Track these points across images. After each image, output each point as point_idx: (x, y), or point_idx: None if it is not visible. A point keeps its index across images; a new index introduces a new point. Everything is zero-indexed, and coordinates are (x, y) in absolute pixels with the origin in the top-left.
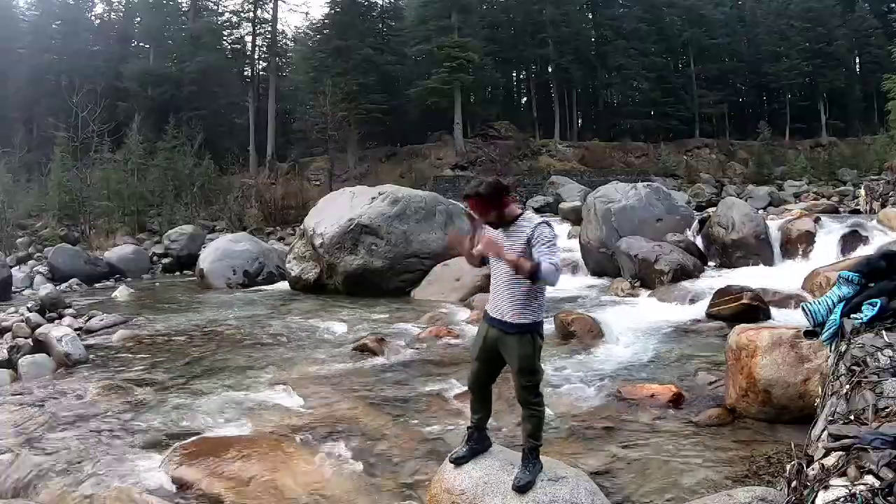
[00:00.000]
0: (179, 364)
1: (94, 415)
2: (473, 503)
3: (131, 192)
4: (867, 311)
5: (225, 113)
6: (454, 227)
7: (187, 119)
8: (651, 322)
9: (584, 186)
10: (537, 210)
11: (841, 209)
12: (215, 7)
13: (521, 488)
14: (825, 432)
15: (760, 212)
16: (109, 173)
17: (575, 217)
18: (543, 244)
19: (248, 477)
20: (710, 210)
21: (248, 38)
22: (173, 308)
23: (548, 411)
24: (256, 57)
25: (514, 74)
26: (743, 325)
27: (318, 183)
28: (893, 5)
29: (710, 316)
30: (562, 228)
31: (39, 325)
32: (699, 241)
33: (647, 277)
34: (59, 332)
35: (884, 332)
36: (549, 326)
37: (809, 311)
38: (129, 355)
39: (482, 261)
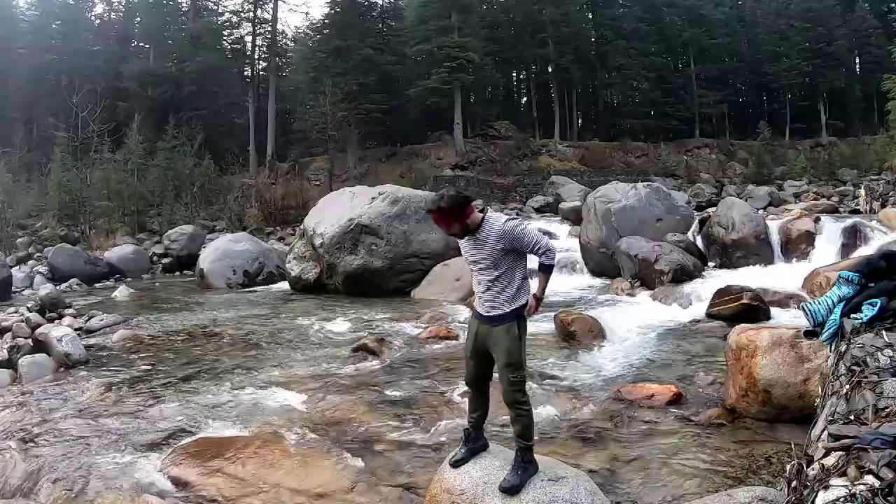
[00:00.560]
0: (179, 364)
1: (94, 415)
2: (473, 503)
3: (131, 192)
4: (867, 311)
5: (225, 113)
6: None
7: (187, 119)
8: (651, 322)
9: (584, 186)
10: (537, 210)
11: (841, 209)
12: (215, 7)
13: (508, 490)
14: (825, 432)
15: (760, 212)
16: (109, 173)
17: (575, 217)
18: (523, 240)
19: (247, 477)
20: (710, 210)
21: (248, 38)
22: (173, 308)
23: (548, 411)
24: (256, 57)
25: (514, 74)
26: (743, 325)
27: (318, 183)
28: (893, 5)
29: (710, 316)
30: (562, 228)
31: (39, 325)
32: (699, 241)
33: (647, 277)
34: (59, 332)
35: (884, 332)
36: (549, 326)
37: (809, 311)
38: (129, 355)
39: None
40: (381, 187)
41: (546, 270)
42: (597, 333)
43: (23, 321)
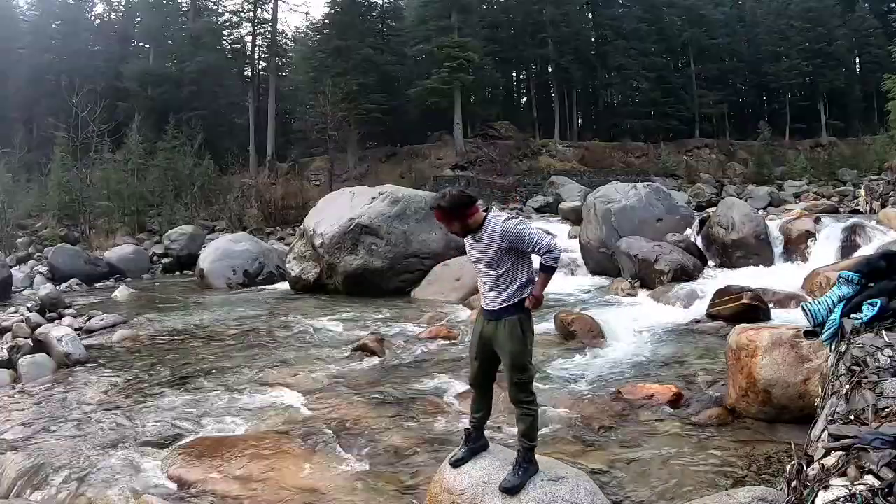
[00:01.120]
0: (179, 364)
1: (94, 415)
2: (473, 503)
3: (131, 192)
4: (867, 311)
5: (225, 113)
6: None
7: (187, 119)
8: (651, 322)
9: (584, 186)
10: (537, 210)
11: (841, 209)
12: (215, 7)
13: (508, 490)
14: (825, 432)
15: (760, 212)
16: (109, 173)
17: (575, 217)
18: (524, 239)
19: (247, 477)
20: (710, 210)
21: (248, 38)
22: (173, 308)
23: (548, 411)
24: (256, 57)
25: (514, 74)
26: (743, 325)
27: (318, 183)
28: (893, 5)
29: (710, 316)
30: (562, 228)
31: (39, 325)
32: (699, 241)
33: (647, 277)
34: (59, 332)
35: (884, 332)
36: (549, 326)
37: (809, 311)
38: (129, 355)
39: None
40: (381, 187)
41: (547, 271)
42: (597, 333)
43: (23, 321)
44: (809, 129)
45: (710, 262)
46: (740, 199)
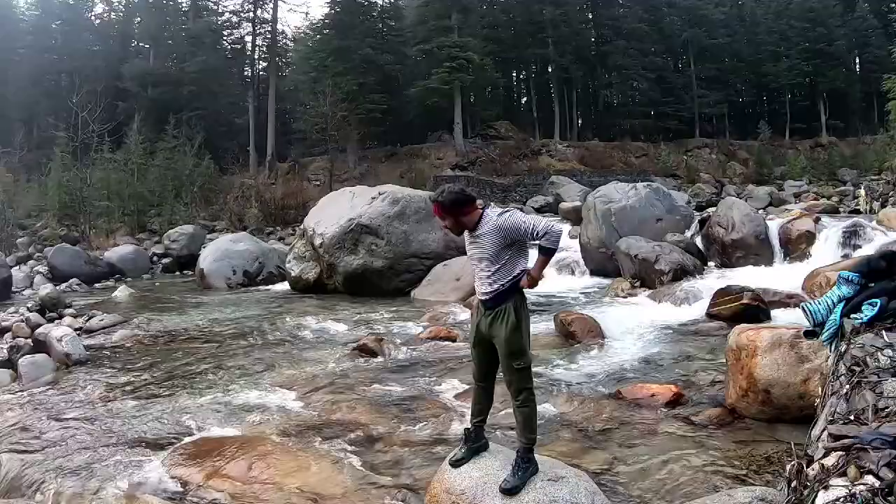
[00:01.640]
0: (179, 364)
1: (94, 415)
2: (473, 503)
3: (131, 192)
4: (867, 311)
5: (225, 113)
6: None
7: (187, 119)
8: (651, 322)
9: (584, 186)
10: (537, 210)
11: (841, 209)
12: (215, 7)
13: (508, 491)
14: (825, 432)
15: (760, 212)
16: (109, 173)
17: (575, 217)
18: (521, 228)
19: (247, 477)
20: (710, 210)
21: (248, 38)
22: (173, 308)
23: (548, 411)
24: (256, 57)
25: (514, 74)
26: (743, 325)
27: (318, 183)
28: (893, 5)
29: (710, 316)
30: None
31: (39, 325)
32: (699, 241)
33: (647, 277)
34: (59, 332)
35: (884, 332)
36: (549, 326)
37: (809, 311)
38: (129, 355)
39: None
40: (381, 187)
41: (546, 253)
42: (597, 333)
43: (23, 321)
44: (809, 129)
45: (710, 262)
46: (740, 199)
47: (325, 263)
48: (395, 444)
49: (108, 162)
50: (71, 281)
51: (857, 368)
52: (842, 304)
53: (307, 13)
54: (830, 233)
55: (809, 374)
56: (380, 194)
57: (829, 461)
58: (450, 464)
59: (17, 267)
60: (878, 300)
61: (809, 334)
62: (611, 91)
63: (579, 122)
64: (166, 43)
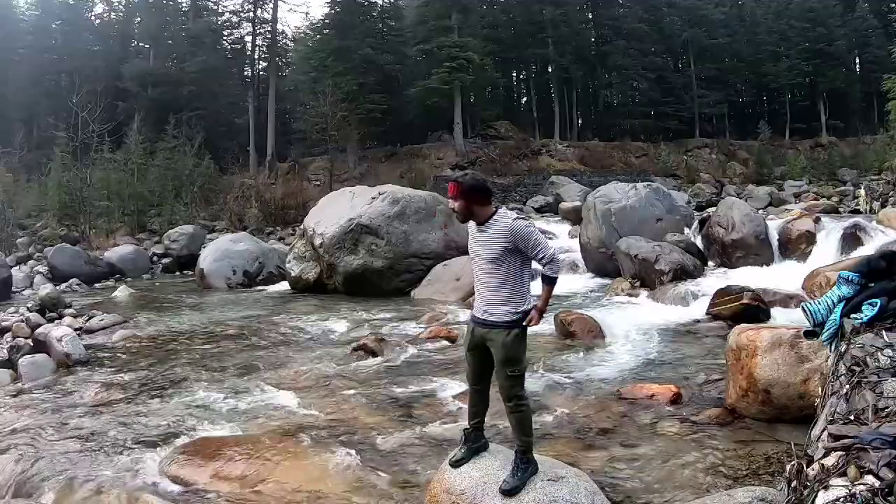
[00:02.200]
0: (179, 364)
1: (94, 415)
2: (473, 503)
3: (131, 192)
4: (867, 311)
5: (225, 113)
6: (454, 227)
7: (187, 119)
8: (651, 322)
9: (584, 186)
10: (537, 210)
11: (841, 209)
12: (215, 7)
13: (508, 492)
14: (825, 432)
15: (760, 212)
16: (109, 173)
17: (575, 217)
18: (529, 242)
19: (247, 477)
20: (710, 210)
21: (248, 38)
22: (173, 308)
23: (548, 411)
24: (256, 57)
25: (514, 74)
26: (743, 325)
27: (318, 183)
28: (893, 5)
29: (710, 316)
30: (562, 228)
31: (39, 325)
32: (699, 241)
33: (647, 277)
34: (59, 332)
35: (884, 332)
36: (549, 326)
37: (809, 311)
38: (129, 355)
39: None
40: (381, 187)
41: (549, 282)
42: (597, 333)
43: (23, 321)
44: (809, 129)
45: (710, 262)
46: (740, 199)
47: (325, 263)
48: (395, 443)
49: (108, 162)
50: (71, 281)
51: (857, 368)
52: (842, 304)
53: (307, 13)
54: (830, 233)
55: (809, 374)
56: (380, 194)
57: (829, 461)
58: (450, 464)
59: (17, 267)
60: (878, 300)
61: (809, 334)
62: (611, 91)
63: (579, 122)
64: (166, 43)
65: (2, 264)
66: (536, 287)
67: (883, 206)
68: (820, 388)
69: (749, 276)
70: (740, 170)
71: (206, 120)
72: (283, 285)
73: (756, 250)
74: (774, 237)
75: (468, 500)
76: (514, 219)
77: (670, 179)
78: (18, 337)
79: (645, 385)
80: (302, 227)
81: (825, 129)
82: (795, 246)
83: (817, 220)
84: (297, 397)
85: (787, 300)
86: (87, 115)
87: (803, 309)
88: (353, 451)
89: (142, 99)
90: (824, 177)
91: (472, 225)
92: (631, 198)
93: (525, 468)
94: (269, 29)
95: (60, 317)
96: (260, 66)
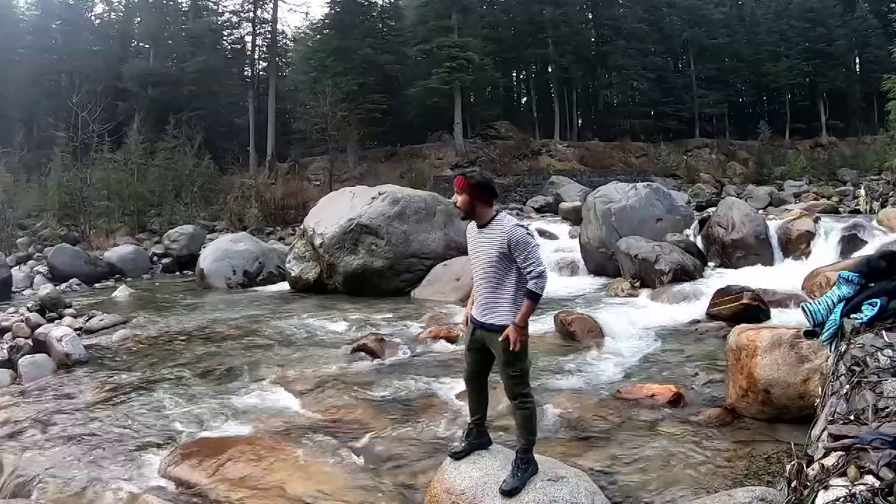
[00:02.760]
0: (179, 364)
1: (94, 415)
2: (473, 503)
3: (131, 192)
4: (867, 311)
5: (225, 113)
6: (454, 227)
7: (187, 119)
8: (651, 322)
9: (584, 186)
10: (537, 210)
11: (841, 209)
12: (215, 7)
13: (508, 493)
14: (825, 432)
15: (760, 212)
16: (109, 173)
17: (575, 217)
18: (523, 253)
19: (247, 477)
20: (710, 210)
21: (248, 38)
22: (173, 308)
23: (548, 411)
24: (256, 57)
25: (514, 74)
26: (743, 325)
27: (318, 183)
28: (893, 5)
29: (710, 316)
30: (562, 228)
31: (39, 325)
32: (699, 241)
33: (647, 277)
34: (59, 332)
35: (884, 332)
36: (549, 326)
37: (809, 311)
38: (129, 355)
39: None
40: (381, 187)
41: (533, 298)
42: (597, 333)
43: (23, 321)
44: (809, 129)
45: (710, 262)
46: (740, 199)
47: (325, 263)
48: (395, 444)
49: (108, 162)
50: (71, 281)
51: (857, 368)
52: (842, 304)
53: (307, 13)
54: (830, 233)
55: (809, 374)
56: (380, 194)
57: (829, 461)
58: (449, 455)
59: (17, 267)
60: (878, 300)
61: (809, 334)
62: (611, 91)
63: (579, 122)
64: (166, 43)
65: (2, 264)
66: None
67: (883, 206)
68: (820, 388)
69: (749, 276)
70: (740, 170)
71: (206, 120)
72: (283, 285)
73: (756, 250)
74: (774, 237)
75: (468, 500)
76: (514, 225)
77: (670, 179)
78: (18, 337)
79: (645, 385)
80: (302, 227)
81: (825, 129)
82: (795, 246)
83: (817, 220)
84: (297, 397)
85: (787, 300)
86: (87, 115)
87: (803, 309)
88: (353, 451)
89: (142, 99)
90: (824, 177)
91: (472, 226)
92: (631, 198)
93: (525, 468)
94: (269, 29)
95: (60, 317)
96: (260, 66)
